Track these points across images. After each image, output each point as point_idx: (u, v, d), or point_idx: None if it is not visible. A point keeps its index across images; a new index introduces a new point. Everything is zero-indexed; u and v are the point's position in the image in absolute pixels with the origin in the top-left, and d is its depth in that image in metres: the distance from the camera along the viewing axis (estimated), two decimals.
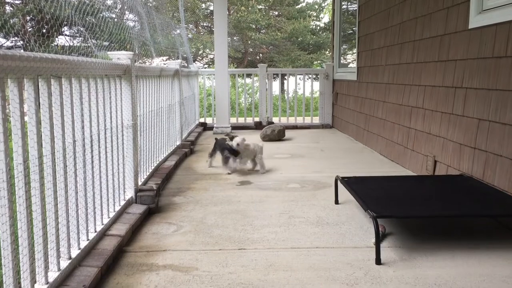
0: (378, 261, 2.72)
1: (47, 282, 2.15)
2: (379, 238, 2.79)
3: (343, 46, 9.52)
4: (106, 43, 4.85)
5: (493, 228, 3.35)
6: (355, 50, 7.83)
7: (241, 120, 9.68)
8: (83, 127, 2.66)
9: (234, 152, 4.95)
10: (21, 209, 1.93)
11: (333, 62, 9.43)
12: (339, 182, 3.86)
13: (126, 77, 3.56)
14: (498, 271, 2.61)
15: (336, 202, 3.93)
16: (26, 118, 1.99)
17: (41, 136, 2.11)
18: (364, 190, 3.50)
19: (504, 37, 3.41)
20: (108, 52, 3.56)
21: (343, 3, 9.31)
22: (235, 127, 9.08)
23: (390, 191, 3.57)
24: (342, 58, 9.50)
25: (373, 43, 6.73)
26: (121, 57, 3.51)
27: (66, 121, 2.43)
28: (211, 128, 9.00)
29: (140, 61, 6.16)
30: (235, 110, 9.79)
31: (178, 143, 6.39)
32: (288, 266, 2.70)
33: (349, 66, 9.05)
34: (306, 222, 3.46)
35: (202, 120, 9.76)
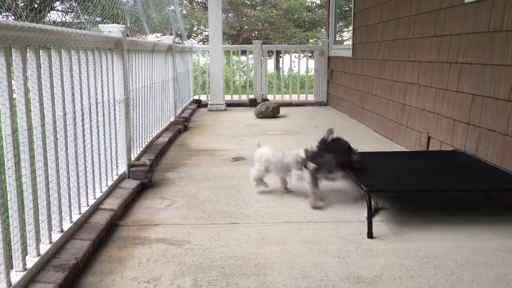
0: (370, 235, 2.74)
1: (38, 255, 2.15)
2: (372, 212, 2.81)
3: (339, 23, 9.43)
4: (98, 19, 4.78)
5: (485, 203, 3.37)
6: (350, 28, 7.76)
7: (235, 97, 9.64)
8: (73, 100, 2.63)
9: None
10: (11, 180, 1.91)
11: (328, 38, 9.35)
12: None
13: (117, 51, 3.51)
14: (488, 244, 2.63)
15: None
16: (14, 89, 1.95)
17: (30, 107, 2.08)
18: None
19: (500, 11, 3.37)
20: (99, 25, 3.50)
21: None
22: (230, 104, 9.05)
23: (383, 166, 3.57)
24: (337, 35, 9.42)
25: (368, 19, 6.66)
26: (112, 30, 3.45)
27: (56, 93, 2.40)
28: (205, 105, 8.95)
29: (134, 37, 6.08)
30: (230, 87, 9.73)
31: (172, 119, 6.36)
32: (280, 240, 2.71)
33: (344, 43, 8.98)
34: (299, 197, 3.46)
35: (196, 97, 9.71)
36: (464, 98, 3.85)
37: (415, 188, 3.16)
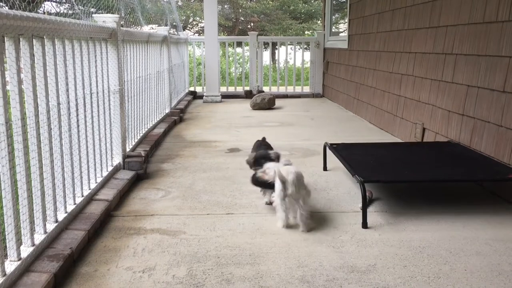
0: (364, 225, 2.75)
1: (33, 244, 2.15)
2: (366, 202, 2.82)
3: (335, 15, 9.41)
4: (93, 10, 4.75)
5: (478, 193, 3.39)
6: (346, 19, 7.74)
7: (231, 89, 9.62)
8: (67, 90, 2.62)
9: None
10: (4, 170, 1.90)
11: (324, 30, 9.32)
12: (327, 149, 3.86)
13: (112, 41, 3.49)
14: (481, 234, 2.65)
15: (325, 168, 3.95)
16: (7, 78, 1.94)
17: (23, 96, 2.07)
18: (353, 156, 3.51)
19: (495, 2, 3.37)
20: (94, 15, 3.48)
21: None
22: (225, 96, 9.03)
23: (378, 157, 3.58)
24: (333, 27, 9.39)
25: (364, 10, 6.64)
26: (106, 20, 3.43)
27: (50, 83, 2.38)
28: (201, 97, 8.93)
29: (129, 28, 6.04)
30: (226, 79, 9.71)
31: (167, 111, 6.35)
32: (275, 230, 2.72)
33: (340, 34, 8.96)
34: None
35: (192, 88, 9.68)
36: (459, 89, 3.85)
37: (409, 179, 3.17)
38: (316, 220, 2.86)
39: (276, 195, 2.71)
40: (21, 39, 2.07)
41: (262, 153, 3.13)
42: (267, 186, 2.91)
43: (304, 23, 23.43)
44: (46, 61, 2.34)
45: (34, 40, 2.21)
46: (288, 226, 2.75)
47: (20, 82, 2.01)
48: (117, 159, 3.65)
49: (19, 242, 2.02)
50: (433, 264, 2.29)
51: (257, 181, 2.95)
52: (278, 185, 2.69)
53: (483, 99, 3.50)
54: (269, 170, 2.81)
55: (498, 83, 3.30)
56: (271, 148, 3.44)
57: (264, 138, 3.65)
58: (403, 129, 5.02)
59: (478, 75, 3.57)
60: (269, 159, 3.03)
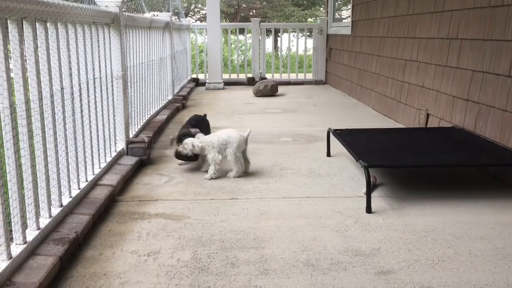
0: (368, 210, 2.75)
1: (38, 228, 2.15)
2: (370, 187, 2.81)
3: (338, 1, 9.33)
4: None
5: (482, 178, 3.38)
6: (350, 5, 7.67)
7: (233, 76, 9.58)
8: (71, 75, 2.61)
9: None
10: (9, 153, 1.90)
11: (327, 16, 9.25)
12: (331, 135, 3.85)
13: (114, 26, 3.47)
14: (485, 218, 2.65)
15: (328, 154, 3.94)
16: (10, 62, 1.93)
17: (27, 80, 2.06)
18: (356, 141, 3.50)
19: None
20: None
21: None
22: (228, 83, 9.00)
23: (382, 142, 3.58)
24: (336, 13, 9.32)
25: None
26: (109, 4, 3.41)
27: (53, 67, 2.37)
28: (203, 84, 8.90)
29: (133, 14, 5.99)
30: (228, 66, 9.65)
31: (170, 97, 6.33)
32: (279, 215, 2.73)
33: (343, 21, 8.90)
34: (297, 174, 3.47)
35: (194, 76, 9.64)
36: (464, 74, 3.83)
37: (413, 164, 3.17)
38: (320, 205, 2.87)
39: (230, 153, 3.31)
40: (24, 22, 2.06)
41: (184, 131, 3.60)
42: (187, 158, 3.45)
43: (307, 10, 23.26)
44: (49, 45, 2.32)
45: (37, 23, 2.20)
46: (291, 210, 2.76)
47: (23, 65, 2.00)
48: (121, 145, 3.65)
49: (24, 226, 2.03)
50: (437, 248, 2.30)
51: (179, 155, 3.46)
52: (213, 152, 3.32)
53: (488, 84, 3.47)
54: (187, 145, 3.34)
55: (504, 68, 3.27)
56: (207, 124, 4.17)
57: (205, 115, 4.30)
58: (407, 115, 5.00)
59: (483, 60, 3.54)
60: (190, 136, 3.49)
